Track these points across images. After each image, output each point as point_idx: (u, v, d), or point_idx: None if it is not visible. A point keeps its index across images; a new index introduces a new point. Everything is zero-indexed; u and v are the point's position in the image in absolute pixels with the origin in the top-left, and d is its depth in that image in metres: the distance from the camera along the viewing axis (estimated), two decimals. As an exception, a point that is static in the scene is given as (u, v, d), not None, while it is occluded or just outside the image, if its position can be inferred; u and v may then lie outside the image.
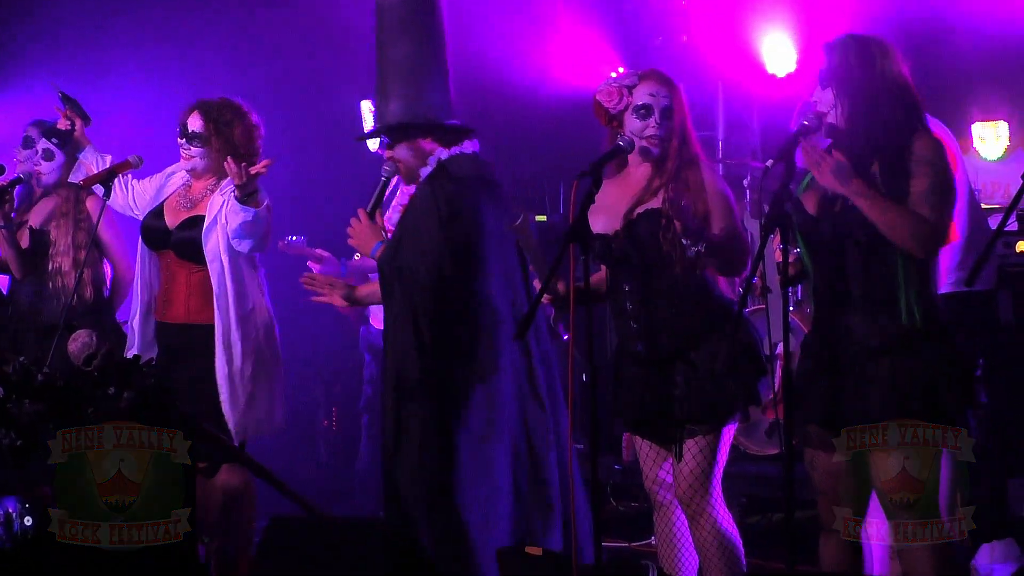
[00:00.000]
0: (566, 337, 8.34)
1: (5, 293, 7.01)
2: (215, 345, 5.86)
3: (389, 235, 5.39)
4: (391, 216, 5.52)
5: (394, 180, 5.54)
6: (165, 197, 6.17)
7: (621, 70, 9.36)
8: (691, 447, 4.84)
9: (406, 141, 5.36)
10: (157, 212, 6.12)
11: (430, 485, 5.20)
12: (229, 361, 5.85)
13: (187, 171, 6.11)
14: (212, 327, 5.88)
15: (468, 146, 5.43)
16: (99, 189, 6.24)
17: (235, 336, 5.87)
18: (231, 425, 5.84)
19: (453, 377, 5.26)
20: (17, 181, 6.76)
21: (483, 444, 5.26)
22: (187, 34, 9.24)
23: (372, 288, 5.66)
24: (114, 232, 6.79)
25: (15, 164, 6.94)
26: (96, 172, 6.38)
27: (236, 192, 5.74)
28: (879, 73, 4.38)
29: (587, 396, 4.56)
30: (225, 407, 5.84)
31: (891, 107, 4.38)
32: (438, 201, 5.23)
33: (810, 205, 4.48)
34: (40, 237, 6.77)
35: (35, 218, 6.86)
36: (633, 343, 4.93)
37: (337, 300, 5.63)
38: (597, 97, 5.00)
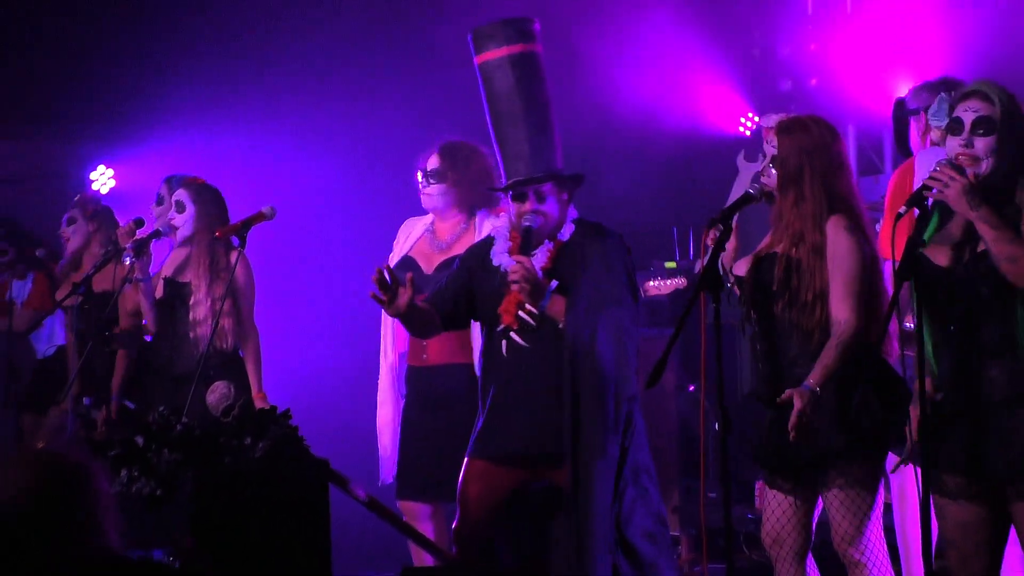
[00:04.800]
0: (692, 388, 8.30)
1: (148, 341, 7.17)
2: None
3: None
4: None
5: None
6: (407, 249, 6.39)
7: (750, 115, 9.37)
8: (837, 495, 4.69)
9: (556, 194, 5.36)
10: (403, 263, 6.31)
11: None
12: None
13: (432, 210, 6.34)
14: (469, 365, 6.05)
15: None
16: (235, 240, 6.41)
17: None
18: None
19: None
20: (156, 234, 6.85)
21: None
22: (326, 88, 9.41)
23: (419, 315, 5.50)
24: (249, 284, 6.88)
25: (153, 220, 7.15)
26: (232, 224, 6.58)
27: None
28: None
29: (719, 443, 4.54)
30: None
31: None
32: (629, 257, 5.34)
33: (940, 258, 4.39)
34: (175, 288, 6.85)
35: (168, 268, 6.95)
36: (760, 383, 4.86)
37: (398, 306, 5.29)
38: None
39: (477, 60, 5.47)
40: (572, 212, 5.41)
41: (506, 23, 5.41)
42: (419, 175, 6.36)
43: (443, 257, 6.27)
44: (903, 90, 8.16)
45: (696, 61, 9.01)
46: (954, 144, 4.35)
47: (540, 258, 5.36)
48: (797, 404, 4.49)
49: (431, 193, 6.30)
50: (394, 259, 6.46)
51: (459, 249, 6.16)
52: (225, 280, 6.66)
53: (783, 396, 4.52)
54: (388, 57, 9.40)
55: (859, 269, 4.67)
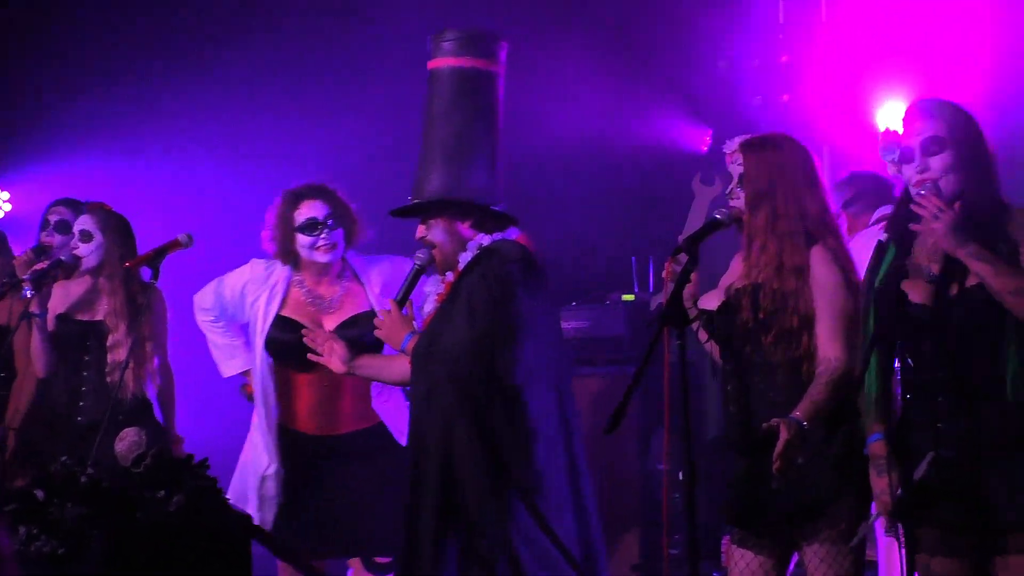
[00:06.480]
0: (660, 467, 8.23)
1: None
2: (394, 445, 6.12)
3: (420, 327, 5.30)
4: (425, 308, 5.44)
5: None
6: (279, 305, 6.32)
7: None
8: (818, 551, 4.65)
9: (444, 222, 5.29)
10: (284, 323, 6.24)
11: None
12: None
13: (324, 262, 6.30)
14: (376, 428, 6.15)
15: (512, 232, 5.31)
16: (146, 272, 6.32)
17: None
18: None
19: (504, 477, 5.08)
20: (58, 265, 6.67)
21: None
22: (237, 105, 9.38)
23: (372, 362, 5.64)
24: (165, 321, 6.78)
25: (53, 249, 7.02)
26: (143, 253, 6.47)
27: None
28: (986, 139, 4.40)
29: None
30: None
31: (994, 175, 4.39)
32: (490, 285, 5.11)
33: (915, 293, 4.31)
34: (80, 326, 6.72)
35: (60, 303, 6.77)
36: (731, 429, 4.81)
37: (335, 363, 5.56)
38: None
39: (428, 64, 5.43)
40: (481, 238, 5.28)
41: (463, 33, 5.37)
42: (307, 225, 6.29)
43: (342, 316, 6.27)
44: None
45: (655, 74, 9.02)
46: (910, 172, 4.35)
47: (437, 288, 5.41)
48: (784, 435, 4.43)
49: (332, 242, 6.30)
50: (243, 313, 6.43)
51: (353, 306, 6.21)
52: (146, 319, 6.59)
53: (769, 423, 4.45)
54: (315, 72, 9.39)
55: (848, 304, 4.65)
